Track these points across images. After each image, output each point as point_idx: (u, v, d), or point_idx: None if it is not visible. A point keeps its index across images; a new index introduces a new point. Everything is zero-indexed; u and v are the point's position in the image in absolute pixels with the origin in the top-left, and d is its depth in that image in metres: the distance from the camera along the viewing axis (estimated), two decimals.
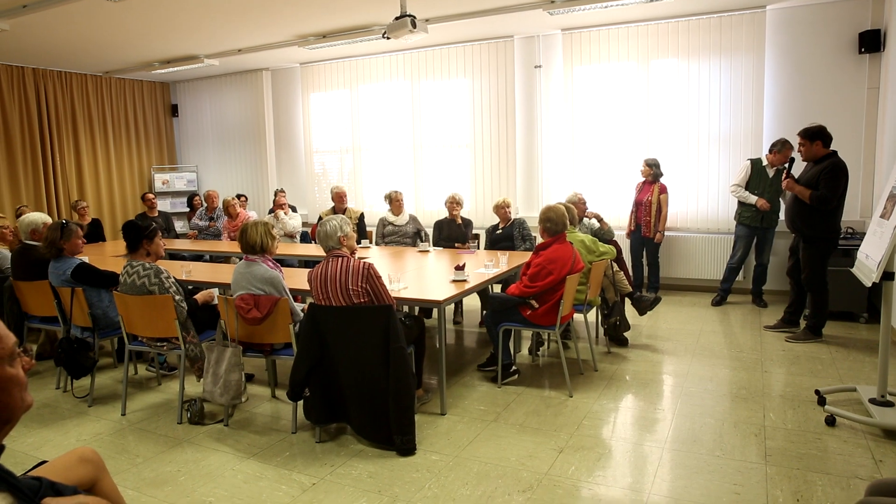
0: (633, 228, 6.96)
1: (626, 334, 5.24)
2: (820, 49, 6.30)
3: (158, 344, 4.07)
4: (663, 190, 6.78)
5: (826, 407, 3.70)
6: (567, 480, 3.06)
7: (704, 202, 7.03)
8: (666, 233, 6.86)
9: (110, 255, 6.26)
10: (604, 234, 5.90)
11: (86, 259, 4.56)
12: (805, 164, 5.18)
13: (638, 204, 6.88)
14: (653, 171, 6.76)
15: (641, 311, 5.34)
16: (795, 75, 6.45)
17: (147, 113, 10.37)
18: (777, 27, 6.48)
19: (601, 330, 5.39)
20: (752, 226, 6.31)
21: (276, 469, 3.30)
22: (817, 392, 3.93)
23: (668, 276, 7.19)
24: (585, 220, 6.01)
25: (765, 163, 6.20)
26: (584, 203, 6.09)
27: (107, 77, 9.68)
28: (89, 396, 4.37)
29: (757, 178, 6.25)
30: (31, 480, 1.52)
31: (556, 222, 4.32)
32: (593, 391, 4.25)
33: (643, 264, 7.05)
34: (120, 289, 4.04)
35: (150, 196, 8.48)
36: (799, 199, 5.01)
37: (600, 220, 6.11)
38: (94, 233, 7.91)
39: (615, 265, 5.25)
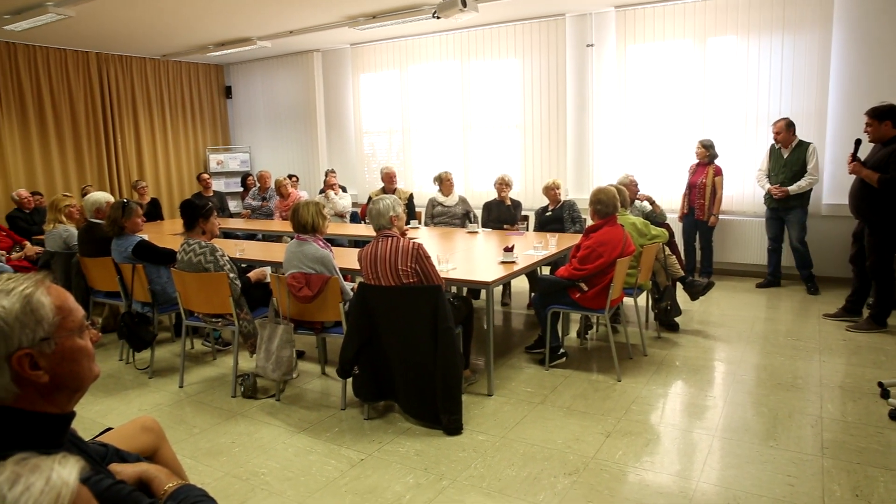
0: (686, 211, 6.80)
1: (676, 319, 5.14)
2: (892, 23, 5.97)
3: (213, 320, 4.20)
4: (718, 172, 6.58)
5: (890, 400, 3.56)
6: (614, 465, 3.04)
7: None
8: (720, 216, 6.67)
9: (168, 234, 6.46)
10: (656, 217, 5.78)
11: (145, 237, 4.72)
12: (872, 145, 4.94)
13: (691, 186, 6.70)
14: (708, 153, 6.57)
15: (693, 296, 5.22)
16: (865, 51, 6.13)
17: (202, 95, 10.61)
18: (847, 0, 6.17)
19: (651, 314, 5.30)
20: (771, 207, 6.29)
21: (325, 444, 3.38)
22: (880, 384, 3.77)
23: (722, 261, 7.00)
24: (637, 202, 5.90)
25: (779, 145, 6.11)
26: (636, 185, 5.97)
27: (164, 60, 9.94)
28: (149, 369, 4.55)
29: (773, 160, 6.24)
30: (99, 446, 1.60)
31: (606, 204, 4.25)
32: (642, 376, 4.20)
33: (696, 248, 6.88)
34: (177, 266, 4.17)
35: (206, 176, 8.70)
36: (865, 183, 4.80)
37: (652, 202, 5.98)
38: (153, 211, 8.17)
39: (667, 249, 5.14)
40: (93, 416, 3.78)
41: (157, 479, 1.47)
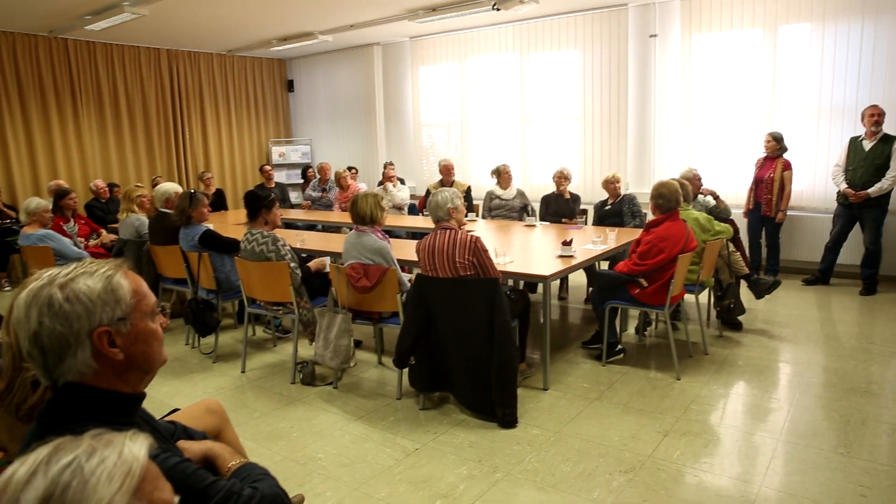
0: (751, 207, 6.55)
1: (740, 318, 4.98)
2: None
3: (274, 308, 4.32)
4: (787, 166, 6.31)
5: None
6: (671, 465, 2.98)
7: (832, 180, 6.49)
8: (788, 212, 6.41)
9: (232, 223, 6.67)
10: (720, 213, 5.60)
11: (211, 226, 4.88)
12: None
13: (758, 181, 6.45)
14: (779, 146, 6.31)
15: (758, 295, 5.04)
16: None
17: (265, 88, 10.87)
18: None
19: (713, 312, 5.15)
20: (845, 204, 5.97)
21: (380, 432, 3.43)
22: None
23: (789, 259, 6.73)
24: (700, 197, 5.73)
25: (861, 137, 5.77)
26: (700, 179, 5.79)
27: (229, 55, 10.23)
28: (213, 353, 4.71)
29: (852, 154, 5.90)
30: (168, 424, 1.67)
31: (668, 199, 4.15)
32: (702, 375, 4.09)
33: (761, 245, 6.64)
34: (241, 255, 4.30)
35: (268, 168, 8.92)
36: None
37: (716, 197, 5.79)
38: (218, 202, 8.44)
39: (731, 245, 4.98)
40: (161, 396, 3.95)
41: (221, 456, 1.53)
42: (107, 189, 7.75)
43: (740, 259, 5.02)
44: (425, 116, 9.64)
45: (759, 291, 5.02)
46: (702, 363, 4.31)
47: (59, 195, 6.35)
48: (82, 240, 6.34)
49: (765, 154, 6.43)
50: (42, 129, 8.13)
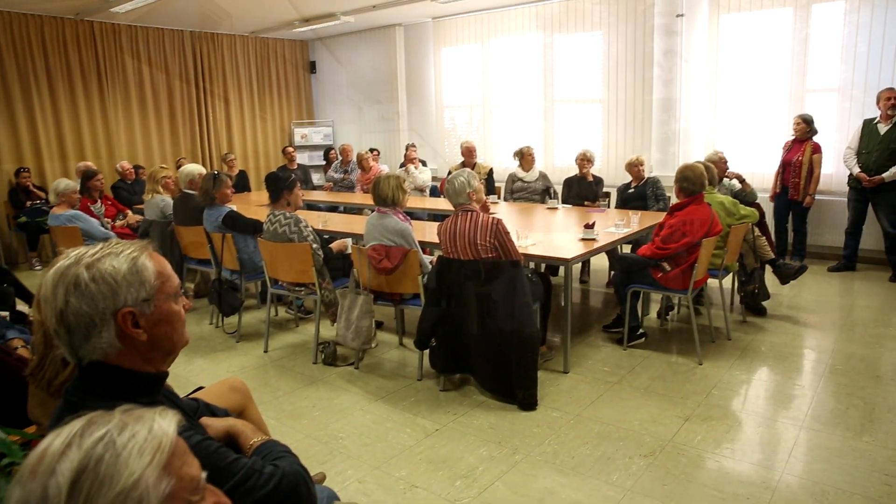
0: (778, 191, 6.44)
1: (764, 303, 4.91)
2: None
3: (297, 288, 4.36)
4: (817, 149, 6.18)
5: None
6: (692, 450, 2.96)
7: None
8: (816, 196, 6.28)
9: (255, 205, 6.72)
10: (745, 196, 5.51)
11: (234, 207, 4.93)
12: None
13: (786, 164, 6.33)
14: (809, 129, 6.17)
15: (784, 280, 4.97)
16: None
17: (287, 70, 10.88)
18: None
19: (737, 297, 5.09)
20: (857, 188, 5.88)
21: (401, 413, 3.46)
22: None
23: (816, 244, 6.62)
24: (726, 180, 5.64)
25: (877, 119, 5.63)
26: (725, 162, 5.70)
27: (252, 37, 10.24)
28: (237, 333, 4.78)
29: (866, 137, 5.78)
30: (191, 402, 1.70)
31: (693, 182, 4.09)
32: (725, 360, 4.05)
33: (788, 229, 6.53)
34: (263, 236, 4.34)
35: (290, 149, 8.96)
36: None
37: (742, 180, 5.70)
38: (241, 183, 8.51)
39: (756, 229, 4.91)
40: (186, 375, 4.02)
41: (243, 433, 1.55)
42: (132, 170, 7.85)
43: (766, 244, 4.94)
44: (447, 98, 9.59)
45: (785, 277, 4.94)
46: (724, 348, 4.27)
47: (87, 176, 6.45)
48: (109, 220, 6.44)
49: (793, 137, 6.30)
50: (69, 111, 8.24)
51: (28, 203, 7.33)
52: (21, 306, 4.08)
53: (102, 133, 8.57)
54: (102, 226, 5.79)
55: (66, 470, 0.74)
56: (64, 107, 8.16)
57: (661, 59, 7.34)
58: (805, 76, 6.59)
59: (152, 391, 1.32)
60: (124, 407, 0.86)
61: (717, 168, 5.03)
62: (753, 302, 4.89)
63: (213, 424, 1.56)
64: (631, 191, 5.99)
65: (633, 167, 5.92)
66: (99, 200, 6.58)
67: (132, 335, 1.23)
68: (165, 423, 0.84)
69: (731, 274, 4.93)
